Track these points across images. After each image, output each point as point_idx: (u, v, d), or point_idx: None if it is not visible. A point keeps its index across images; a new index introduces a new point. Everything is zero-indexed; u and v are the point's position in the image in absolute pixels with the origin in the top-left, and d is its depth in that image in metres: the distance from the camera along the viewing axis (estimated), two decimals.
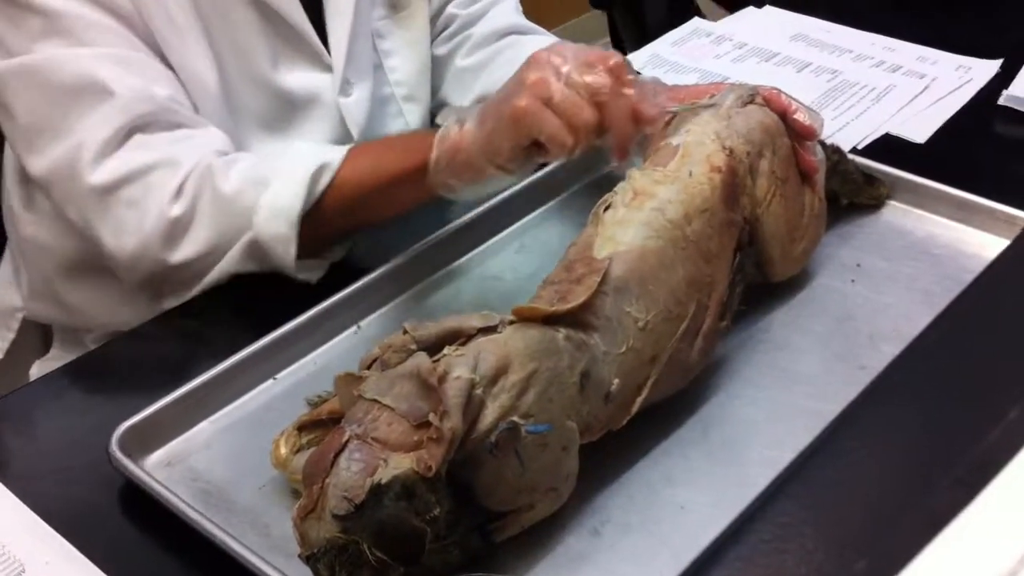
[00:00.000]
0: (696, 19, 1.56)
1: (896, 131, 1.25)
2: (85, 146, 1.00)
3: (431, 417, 0.71)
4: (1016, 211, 1.05)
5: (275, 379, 0.95)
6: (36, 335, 1.17)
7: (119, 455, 0.84)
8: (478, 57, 1.29)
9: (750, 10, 1.57)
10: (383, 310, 1.03)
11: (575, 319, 0.81)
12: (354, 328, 1.01)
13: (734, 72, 1.40)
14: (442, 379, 0.73)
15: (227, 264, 1.02)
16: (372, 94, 1.21)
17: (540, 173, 1.16)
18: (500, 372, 0.75)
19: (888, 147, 1.22)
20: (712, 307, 0.89)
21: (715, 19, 1.59)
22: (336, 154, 1.01)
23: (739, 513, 0.78)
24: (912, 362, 0.90)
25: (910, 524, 0.75)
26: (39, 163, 1.03)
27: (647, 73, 1.16)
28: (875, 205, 1.11)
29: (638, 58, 1.46)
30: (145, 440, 0.87)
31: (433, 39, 1.30)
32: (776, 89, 1.01)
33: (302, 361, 0.97)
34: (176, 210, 1.00)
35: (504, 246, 1.10)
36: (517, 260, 1.09)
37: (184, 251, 1.01)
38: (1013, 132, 1.27)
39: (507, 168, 0.92)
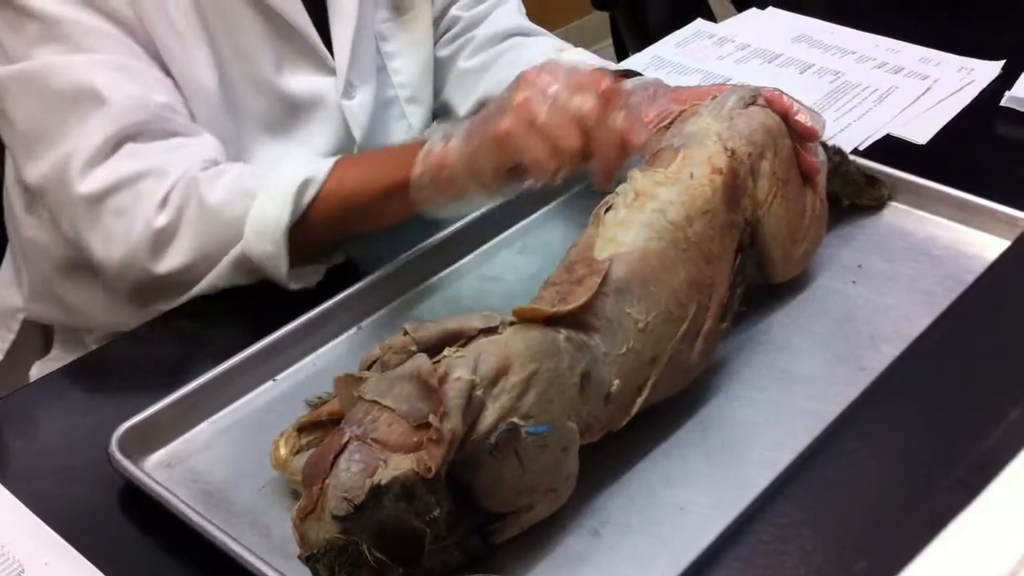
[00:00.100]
0: (699, 20, 1.56)
1: (898, 132, 1.25)
2: (76, 154, 1.00)
3: (431, 418, 0.71)
4: (1017, 212, 1.05)
5: (275, 380, 0.95)
6: (37, 336, 1.17)
7: (119, 456, 0.84)
8: (481, 59, 1.29)
9: (753, 11, 1.57)
10: (383, 311, 1.02)
11: (576, 320, 0.81)
12: (354, 329, 1.01)
13: (736, 73, 1.40)
14: (442, 380, 0.73)
15: (218, 278, 1.01)
16: (375, 96, 1.22)
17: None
18: (500, 373, 0.75)
19: (890, 148, 1.22)
20: (713, 308, 0.89)
21: (724, 19, 1.59)
22: (322, 167, 1.00)
23: (738, 514, 0.78)
24: (913, 363, 0.90)
25: (910, 525, 0.75)
26: (34, 170, 1.03)
27: (649, 74, 1.16)
28: (876, 206, 1.11)
29: (640, 59, 1.46)
30: (145, 441, 0.87)
31: (436, 41, 1.31)
32: (778, 90, 1.01)
33: (302, 362, 0.97)
34: (161, 220, 0.99)
35: (505, 247, 1.10)
36: (518, 261, 1.09)
37: (170, 262, 1.00)
38: (1015, 133, 1.27)
39: (490, 188, 0.91)
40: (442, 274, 1.06)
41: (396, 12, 1.25)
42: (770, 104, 1.00)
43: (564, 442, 0.78)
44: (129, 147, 1.00)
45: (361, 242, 1.06)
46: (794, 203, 0.98)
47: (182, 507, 0.80)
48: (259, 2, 1.10)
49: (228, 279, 1.01)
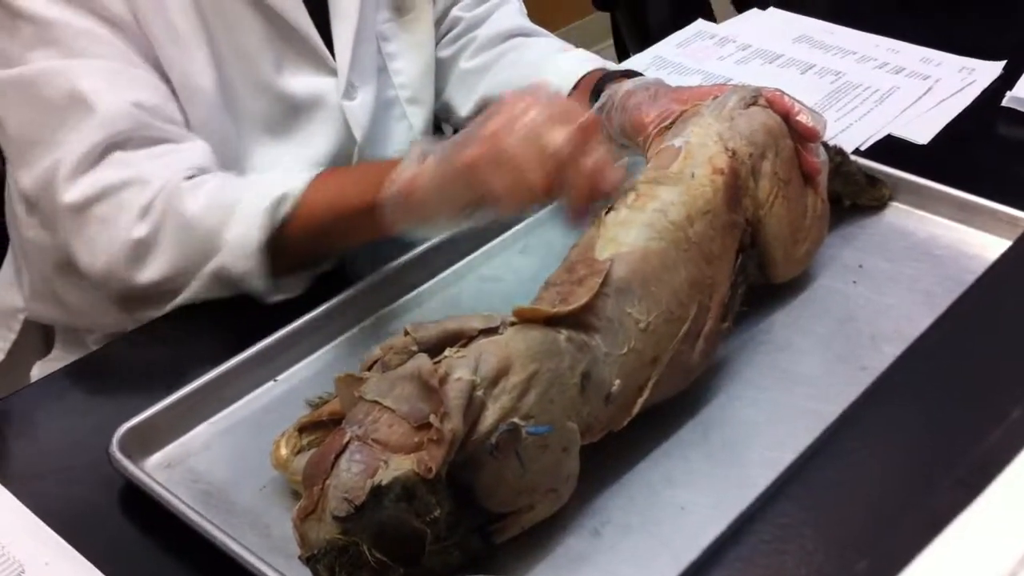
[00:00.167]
0: (700, 21, 1.56)
1: (899, 132, 1.25)
2: (62, 163, 0.99)
3: (432, 419, 0.71)
4: (1018, 212, 1.05)
5: (275, 380, 0.95)
6: (38, 336, 1.17)
7: (119, 456, 0.84)
8: (482, 59, 1.29)
9: (754, 12, 1.57)
10: (384, 311, 1.02)
11: (577, 320, 0.81)
12: (355, 329, 1.01)
13: (738, 74, 1.40)
14: (443, 380, 0.73)
15: (198, 291, 1.00)
16: (376, 97, 1.22)
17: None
18: (501, 373, 0.75)
19: (891, 148, 1.22)
20: (714, 308, 0.89)
21: (725, 19, 1.59)
22: (298, 182, 0.99)
23: (739, 514, 0.78)
24: (913, 363, 0.90)
25: (911, 524, 0.75)
26: (26, 177, 1.03)
27: (650, 75, 1.16)
28: (877, 206, 1.11)
29: (641, 60, 1.46)
30: (145, 441, 0.87)
31: (437, 42, 1.30)
32: (779, 91, 1.01)
33: (302, 363, 0.97)
34: (140, 231, 0.99)
35: (506, 247, 1.10)
36: (519, 261, 1.08)
37: (149, 272, 1.00)
38: (1016, 134, 1.27)
39: (457, 217, 0.88)
40: (443, 275, 1.06)
41: (397, 13, 1.25)
42: (771, 104, 1.00)
43: (565, 442, 0.78)
44: (116, 155, 1.00)
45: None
46: (795, 203, 0.98)
47: (182, 507, 0.80)
48: (260, 3, 1.10)
49: (207, 292, 1.01)
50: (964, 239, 1.06)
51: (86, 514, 0.84)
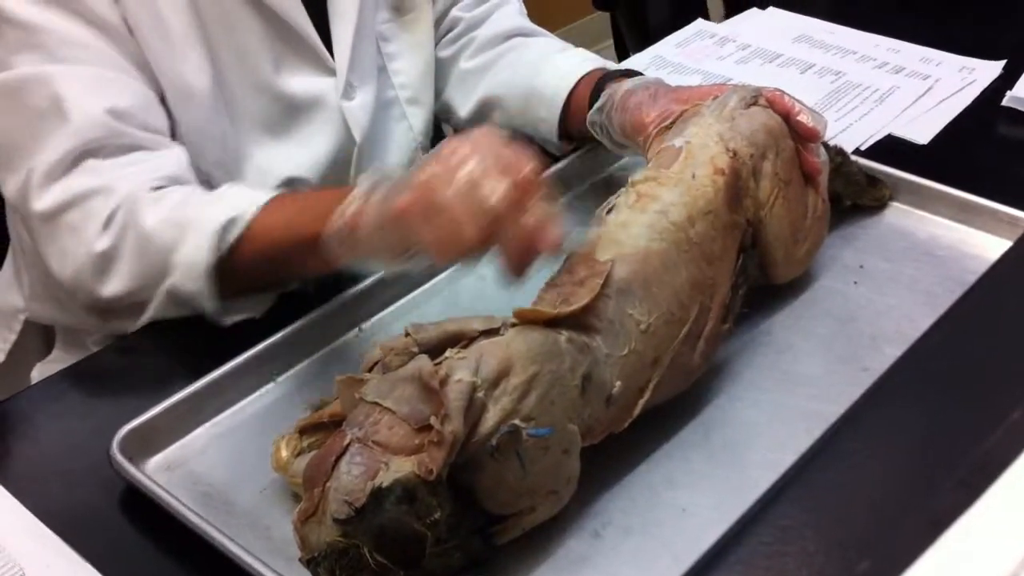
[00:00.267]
0: (700, 20, 1.56)
1: (899, 132, 1.25)
2: (34, 171, 0.99)
3: (432, 420, 0.71)
4: (1019, 212, 1.05)
5: (276, 382, 0.95)
6: (38, 337, 1.17)
7: (120, 458, 0.84)
8: (482, 60, 1.29)
9: (754, 11, 1.57)
10: (385, 312, 1.02)
11: (577, 321, 0.81)
12: (355, 331, 1.01)
13: (737, 73, 1.40)
14: (443, 382, 0.73)
15: (157, 309, 0.99)
16: (376, 97, 1.21)
17: (544, 175, 1.15)
18: (502, 375, 0.75)
19: (891, 148, 1.22)
20: (715, 309, 0.89)
21: (717, 18, 1.59)
22: (251, 205, 0.96)
23: (740, 516, 0.77)
24: (914, 363, 0.90)
25: (912, 526, 0.75)
26: (8, 184, 1.03)
27: (650, 74, 1.16)
28: (878, 206, 1.11)
29: (641, 59, 1.46)
30: (146, 443, 0.87)
31: (437, 42, 1.30)
32: (780, 91, 1.01)
33: (303, 364, 0.97)
34: (103, 243, 0.98)
35: None
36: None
37: (113, 286, 0.99)
38: (1016, 133, 1.27)
39: (395, 261, 0.84)
40: (443, 275, 1.06)
41: (397, 13, 1.24)
42: (772, 104, 1.00)
43: (565, 444, 0.78)
44: (88, 163, 0.99)
45: None
46: (796, 204, 0.98)
47: (183, 510, 0.80)
48: (258, 3, 1.09)
49: (166, 310, 0.99)
50: (965, 239, 1.06)
51: (87, 516, 0.84)
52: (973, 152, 1.23)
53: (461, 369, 0.74)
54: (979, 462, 0.79)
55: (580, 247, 0.87)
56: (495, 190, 0.77)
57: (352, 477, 0.71)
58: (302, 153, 1.17)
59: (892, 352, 0.92)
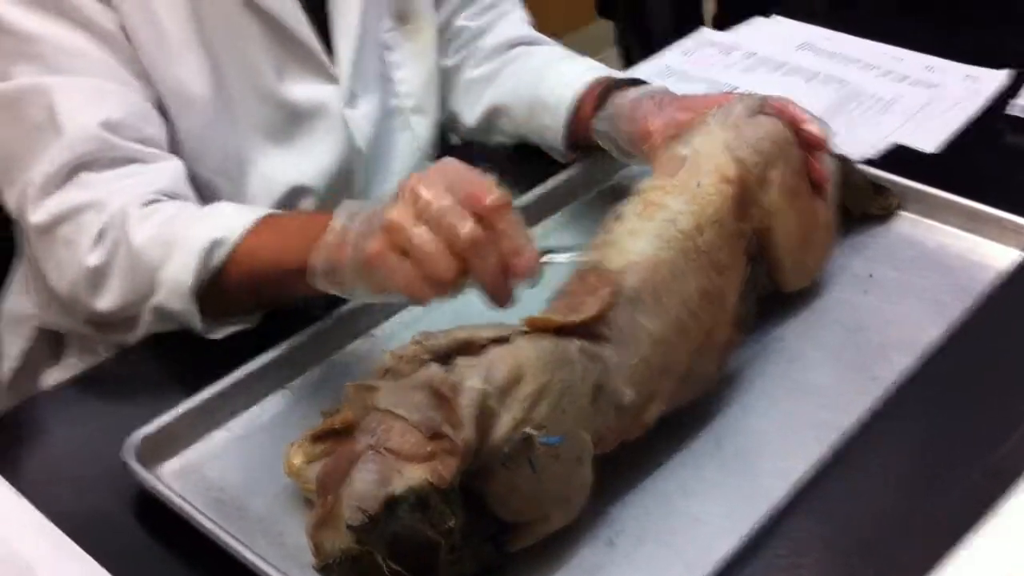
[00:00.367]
0: (705, 29, 1.56)
1: (906, 141, 1.25)
2: (31, 184, 0.99)
3: (444, 428, 0.71)
4: None
5: (289, 388, 0.95)
6: (49, 343, 1.17)
7: (133, 464, 0.84)
8: (486, 69, 1.29)
9: (758, 20, 1.57)
10: (396, 319, 1.02)
11: (588, 330, 0.81)
12: (366, 337, 1.01)
13: (743, 82, 1.40)
14: (455, 390, 0.73)
15: (148, 326, 0.99)
16: (379, 106, 1.21)
17: (551, 183, 1.16)
18: (513, 383, 0.75)
19: (898, 157, 1.22)
20: (724, 318, 0.89)
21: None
22: (237, 227, 0.96)
23: (754, 528, 0.78)
24: (926, 374, 0.90)
25: (926, 537, 0.75)
26: (7, 197, 1.03)
27: (655, 83, 1.16)
28: (885, 215, 1.11)
29: (646, 68, 1.46)
30: (159, 449, 0.87)
31: (441, 51, 1.30)
32: (786, 99, 1.01)
33: (315, 370, 0.97)
34: (95, 258, 0.98)
35: None
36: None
37: (106, 300, 0.99)
38: (1022, 142, 1.27)
39: (378, 297, 0.85)
40: None
41: (400, 21, 1.24)
42: (778, 113, 1.00)
43: (577, 452, 0.78)
44: (82, 176, 0.99)
45: None
46: (804, 212, 0.98)
47: (196, 515, 0.80)
48: (260, 10, 1.09)
49: (156, 326, 0.99)
50: (973, 248, 1.07)
51: (100, 521, 0.84)
52: (980, 161, 1.23)
53: (472, 377, 0.74)
54: (992, 472, 0.79)
55: (571, 267, 0.87)
56: (463, 223, 0.76)
57: (365, 484, 0.71)
58: (306, 161, 1.17)
59: (902, 361, 0.92)
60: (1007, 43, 1.45)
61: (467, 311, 1.02)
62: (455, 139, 1.38)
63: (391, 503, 0.70)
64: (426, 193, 0.78)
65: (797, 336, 0.98)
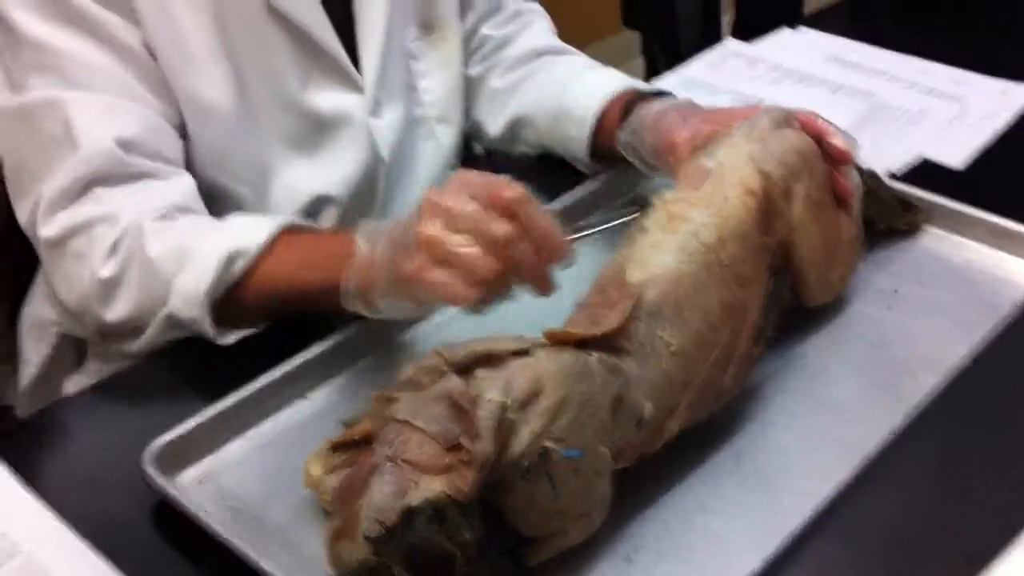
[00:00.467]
0: (731, 40, 1.55)
1: (932, 155, 1.25)
2: (43, 198, 1.00)
3: (463, 440, 0.71)
4: None
5: (308, 398, 0.95)
6: (72, 349, 1.17)
7: (152, 472, 0.84)
8: (512, 78, 1.29)
9: (784, 31, 1.56)
10: (416, 331, 1.02)
11: (608, 343, 0.80)
12: (387, 348, 1.00)
13: (769, 94, 1.40)
14: (474, 402, 0.72)
15: (155, 334, 1.00)
16: (404, 115, 1.21)
17: (574, 193, 1.15)
18: (532, 396, 0.74)
19: (924, 172, 1.21)
20: (746, 332, 0.89)
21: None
22: (256, 239, 0.97)
23: (776, 551, 0.77)
24: (952, 391, 0.89)
25: (951, 561, 0.75)
26: (20, 209, 1.04)
27: (681, 95, 1.15)
28: (911, 231, 1.10)
29: (672, 79, 1.46)
30: (178, 457, 0.87)
31: (466, 60, 1.30)
32: (812, 112, 1.01)
33: (335, 380, 0.97)
34: (108, 270, 0.98)
35: None
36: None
37: (117, 311, 0.99)
38: None
39: (415, 313, 0.90)
40: None
41: (425, 31, 1.24)
42: (804, 126, 1.00)
43: (596, 466, 0.77)
44: (95, 191, 1.00)
45: None
46: (828, 227, 0.98)
47: (214, 524, 0.80)
48: (285, 21, 1.09)
49: (163, 335, 1.00)
50: (1000, 264, 1.06)
51: (118, 528, 0.84)
52: (1007, 176, 1.22)
53: (492, 389, 0.73)
54: (1019, 491, 0.79)
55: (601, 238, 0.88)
56: (495, 223, 0.80)
57: (383, 496, 0.71)
58: (330, 171, 1.17)
59: (926, 378, 0.91)
60: None
61: (488, 323, 1.02)
62: (478, 148, 1.38)
63: (408, 514, 0.69)
64: (451, 203, 0.81)
65: (820, 351, 0.97)
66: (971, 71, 1.41)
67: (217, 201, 1.10)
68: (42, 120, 1.00)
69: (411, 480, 0.71)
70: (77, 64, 1.01)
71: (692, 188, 0.93)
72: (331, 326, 0.98)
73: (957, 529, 0.79)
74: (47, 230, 1.00)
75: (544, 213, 0.82)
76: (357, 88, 1.16)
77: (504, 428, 0.72)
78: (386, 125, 1.19)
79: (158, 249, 0.97)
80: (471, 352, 0.78)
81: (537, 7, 1.37)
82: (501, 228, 0.79)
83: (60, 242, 1.00)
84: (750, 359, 0.90)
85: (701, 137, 1.02)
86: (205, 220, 1.03)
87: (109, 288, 0.99)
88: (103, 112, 1.01)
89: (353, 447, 0.82)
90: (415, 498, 0.70)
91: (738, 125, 0.99)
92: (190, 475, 0.88)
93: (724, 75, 1.46)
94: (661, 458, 0.83)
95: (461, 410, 0.72)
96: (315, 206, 1.16)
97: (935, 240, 1.10)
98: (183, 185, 1.05)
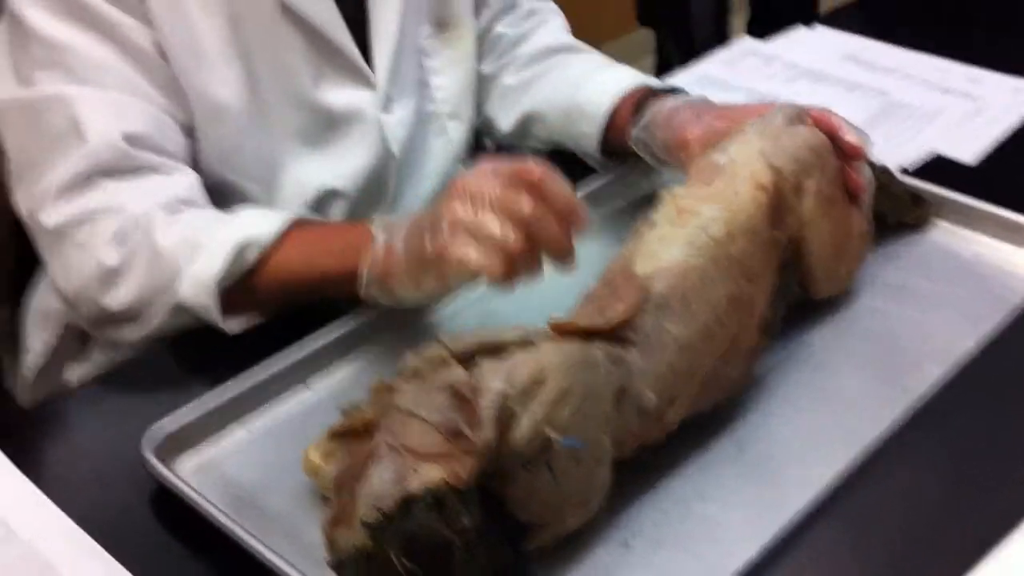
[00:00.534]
0: (746, 38, 1.55)
1: (946, 152, 1.24)
2: (47, 188, 1.00)
3: (464, 428, 0.71)
4: None
5: (309, 386, 0.95)
6: (76, 339, 1.18)
7: (153, 460, 0.84)
8: (525, 76, 1.29)
9: (800, 30, 1.56)
10: (420, 320, 1.02)
11: (613, 335, 0.80)
12: (390, 337, 1.00)
13: (784, 92, 1.39)
14: (476, 391, 0.72)
15: (162, 322, 1.00)
16: (416, 111, 1.22)
17: (585, 188, 1.15)
18: (535, 385, 0.74)
19: (934, 167, 1.21)
20: (752, 326, 0.88)
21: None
22: (268, 230, 0.98)
23: (778, 536, 0.77)
24: (959, 385, 0.89)
25: (953, 553, 0.74)
26: (20, 199, 1.04)
27: (695, 92, 1.15)
28: (921, 225, 1.10)
29: (686, 76, 1.46)
30: (179, 445, 0.88)
31: (480, 57, 1.30)
32: (826, 109, 1.00)
33: (336, 369, 0.97)
34: (113, 258, 0.99)
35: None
36: (556, 275, 1.08)
37: (119, 298, 1.00)
38: None
39: (434, 297, 0.92)
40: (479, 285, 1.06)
41: (439, 29, 1.24)
42: (817, 122, 0.99)
43: (597, 456, 0.77)
44: (99, 183, 1.00)
45: None
46: (839, 222, 0.97)
47: (214, 512, 0.80)
48: (298, 18, 1.10)
49: (168, 325, 1.00)
50: (1009, 259, 1.05)
51: (119, 517, 0.84)
52: (1018, 172, 1.21)
53: (494, 379, 0.73)
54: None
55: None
56: (520, 197, 0.83)
57: (382, 482, 0.71)
58: (340, 166, 1.17)
59: (933, 371, 0.90)
60: None
61: (494, 315, 1.02)
62: (489, 144, 1.38)
63: (407, 502, 0.69)
64: (476, 184, 0.84)
65: (825, 343, 0.96)
66: (988, 69, 1.40)
67: (225, 197, 1.10)
68: (48, 114, 1.01)
69: (410, 468, 0.71)
70: (85, 61, 1.01)
71: (703, 183, 0.93)
72: (332, 315, 0.98)
73: (961, 522, 0.78)
74: (50, 218, 1.01)
75: (566, 187, 0.84)
76: (369, 85, 1.17)
77: (505, 417, 0.72)
78: (397, 121, 1.19)
79: (168, 239, 0.98)
80: (474, 342, 0.78)
81: (552, 5, 1.37)
82: (525, 202, 0.82)
83: (62, 231, 1.01)
84: (756, 352, 0.90)
85: (714, 134, 1.02)
86: (213, 213, 1.04)
87: (113, 276, 0.99)
88: (110, 108, 1.01)
89: (354, 435, 0.82)
90: (414, 485, 0.70)
91: (751, 122, 0.99)
92: (190, 463, 0.88)
93: (739, 73, 1.46)
94: (661, 446, 0.83)
95: (463, 399, 0.72)
96: (324, 200, 1.17)
97: (944, 234, 1.09)
98: (187, 180, 1.05)
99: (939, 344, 0.95)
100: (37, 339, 1.18)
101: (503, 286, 0.84)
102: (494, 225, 0.82)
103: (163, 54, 1.05)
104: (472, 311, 1.03)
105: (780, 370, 0.93)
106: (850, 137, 0.99)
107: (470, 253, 0.83)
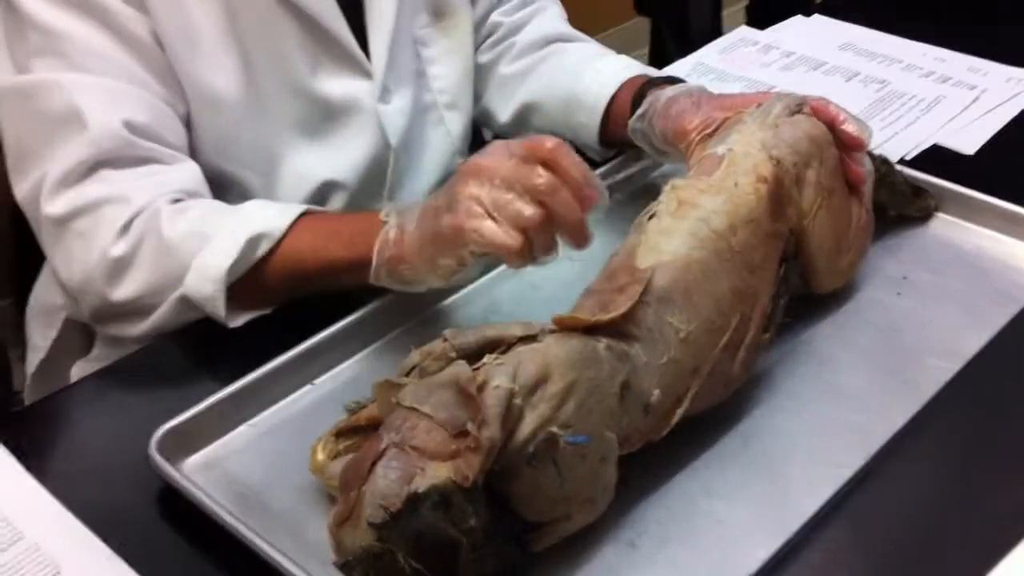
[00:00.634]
0: (743, 27, 1.55)
1: (945, 143, 1.24)
2: (48, 176, 1.00)
3: (469, 426, 0.71)
4: None
5: (314, 384, 0.95)
6: (79, 335, 1.18)
7: (158, 458, 0.84)
8: (522, 65, 1.29)
9: (798, 19, 1.56)
10: (423, 317, 1.02)
11: (616, 329, 0.80)
12: (394, 334, 1.00)
13: (781, 81, 1.39)
14: (481, 388, 0.72)
15: (164, 316, 1.00)
16: (413, 101, 1.21)
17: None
18: (540, 382, 0.74)
19: (937, 159, 1.21)
20: (755, 319, 0.88)
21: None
22: (279, 223, 0.98)
23: (782, 537, 0.77)
24: (962, 378, 0.89)
25: (963, 552, 0.74)
26: (18, 187, 1.03)
27: (693, 81, 1.15)
28: (922, 217, 1.10)
29: (683, 66, 1.45)
30: (184, 443, 0.87)
31: (477, 47, 1.30)
32: (824, 99, 1.00)
33: (341, 366, 0.97)
34: (119, 249, 0.98)
35: None
36: (558, 268, 1.06)
37: (124, 290, 0.99)
38: None
39: (447, 279, 0.91)
40: (482, 280, 1.06)
41: (436, 18, 1.24)
42: (816, 113, 0.99)
43: (603, 452, 0.77)
44: (101, 172, 1.00)
45: None
46: (839, 213, 0.97)
47: (219, 510, 0.80)
48: (295, 8, 1.09)
49: (171, 320, 1.00)
50: (1011, 251, 1.05)
51: (124, 514, 0.84)
52: (1020, 163, 1.21)
53: (499, 375, 0.73)
54: None
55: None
56: (535, 172, 0.83)
57: (388, 482, 0.71)
58: (338, 157, 1.17)
59: (935, 364, 0.91)
60: None
61: (496, 309, 1.02)
62: (488, 135, 1.37)
63: (413, 501, 0.69)
64: (490, 161, 0.85)
65: (828, 337, 0.96)
66: (988, 59, 1.40)
67: (223, 188, 1.10)
68: (46, 100, 1.00)
69: (417, 467, 0.71)
70: (82, 48, 1.01)
71: (703, 174, 0.92)
72: (338, 313, 0.98)
73: (966, 517, 0.78)
74: (51, 208, 1.00)
75: (580, 162, 0.85)
76: (366, 74, 1.16)
77: (511, 414, 0.72)
78: (395, 111, 1.19)
79: (175, 231, 0.98)
80: (479, 338, 0.78)
81: None
82: (541, 176, 0.83)
83: (64, 220, 1.00)
84: (759, 345, 0.90)
85: (713, 124, 1.02)
86: (220, 205, 1.03)
87: (119, 267, 0.99)
88: (108, 96, 1.01)
89: (359, 433, 0.82)
90: (421, 484, 0.70)
91: (750, 111, 0.99)
92: (196, 461, 0.88)
93: (737, 62, 1.45)
94: (667, 443, 0.82)
95: (468, 396, 0.72)
96: (323, 192, 1.16)
97: (946, 227, 1.09)
98: (189, 170, 1.05)
99: (942, 338, 0.95)
100: (40, 336, 1.18)
101: (519, 262, 0.85)
102: (509, 198, 0.83)
103: (159, 43, 1.04)
104: (475, 305, 1.03)
105: (784, 364, 0.93)
106: (850, 127, 0.99)
107: (486, 226, 0.83)
